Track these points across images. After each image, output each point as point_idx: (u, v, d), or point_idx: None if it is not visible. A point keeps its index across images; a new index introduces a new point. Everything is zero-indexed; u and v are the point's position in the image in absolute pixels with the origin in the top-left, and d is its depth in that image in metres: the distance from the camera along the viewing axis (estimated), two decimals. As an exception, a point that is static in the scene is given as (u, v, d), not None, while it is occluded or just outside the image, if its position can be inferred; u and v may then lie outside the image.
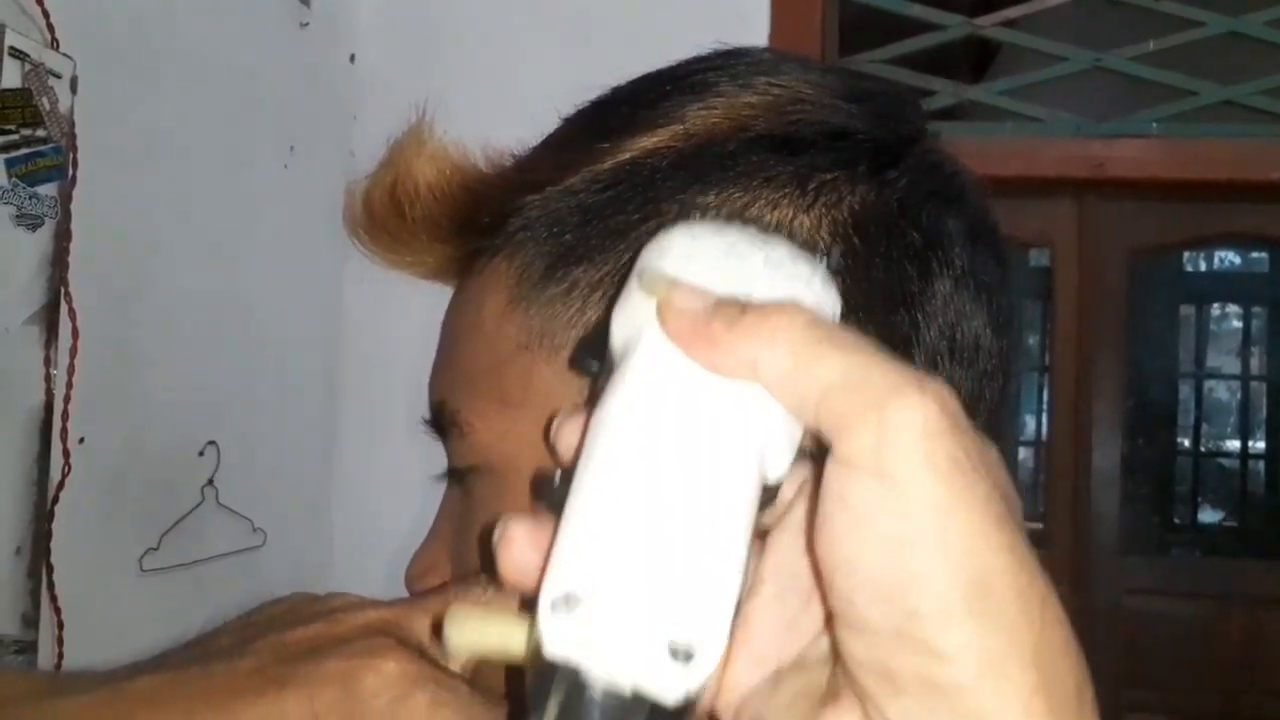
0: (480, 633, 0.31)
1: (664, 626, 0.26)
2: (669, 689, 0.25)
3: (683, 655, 0.26)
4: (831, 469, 0.26)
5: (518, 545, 0.28)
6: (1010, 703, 0.24)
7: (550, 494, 0.29)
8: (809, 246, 0.37)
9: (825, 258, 0.33)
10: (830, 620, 0.27)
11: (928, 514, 0.25)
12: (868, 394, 0.25)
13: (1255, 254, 4.65)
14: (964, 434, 0.26)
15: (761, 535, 0.31)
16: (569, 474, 0.29)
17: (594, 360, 0.32)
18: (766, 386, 0.27)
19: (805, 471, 0.30)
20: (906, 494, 0.25)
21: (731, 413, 0.28)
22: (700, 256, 0.31)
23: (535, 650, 0.26)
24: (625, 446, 0.28)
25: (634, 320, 0.30)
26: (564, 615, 0.26)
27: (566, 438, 0.30)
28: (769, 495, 0.29)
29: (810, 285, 0.31)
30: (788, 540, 0.30)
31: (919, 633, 0.24)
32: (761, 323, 0.27)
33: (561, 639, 0.26)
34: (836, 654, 0.27)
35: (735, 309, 0.28)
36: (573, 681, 0.25)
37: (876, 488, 0.25)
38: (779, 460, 0.28)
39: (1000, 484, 0.27)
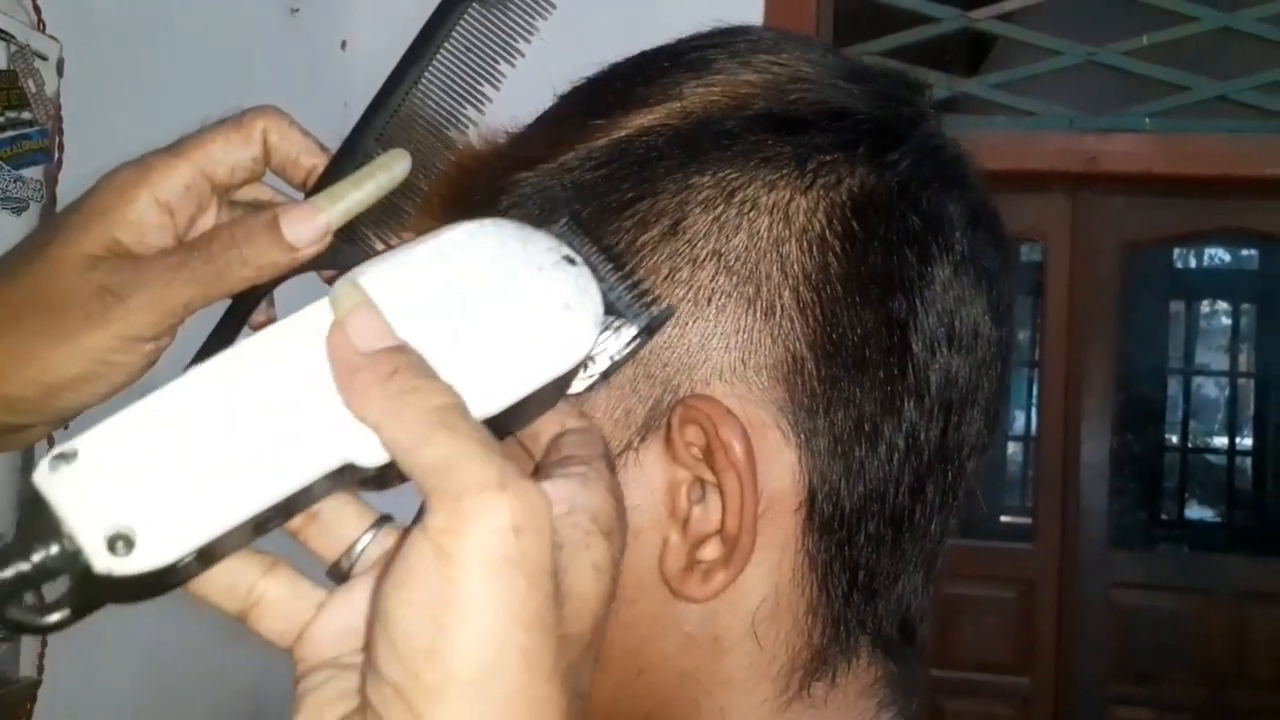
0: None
1: (117, 512, 0.29)
2: (96, 562, 0.29)
3: (122, 544, 0.29)
4: (412, 531, 0.29)
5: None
6: None
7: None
8: (805, 230, 0.37)
9: (637, 314, 0.35)
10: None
11: (462, 598, 0.28)
12: (454, 481, 0.28)
13: (1245, 251, 4.67)
14: (531, 539, 0.28)
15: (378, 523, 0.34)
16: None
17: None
18: (384, 446, 0.30)
19: None
20: (450, 575, 0.28)
21: (337, 397, 0.31)
22: (458, 259, 0.34)
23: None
24: (227, 369, 0.32)
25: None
26: (60, 463, 0.30)
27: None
28: (358, 475, 0.32)
29: (543, 325, 0.33)
30: None
31: (412, 698, 0.28)
32: (396, 395, 0.30)
33: (44, 478, 0.30)
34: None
35: (387, 369, 0.30)
36: (45, 516, 0.30)
37: (434, 561, 0.28)
38: (373, 455, 0.31)
39: (564, 584, 0.30)
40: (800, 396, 0.37)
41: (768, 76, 0.40)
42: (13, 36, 1.18)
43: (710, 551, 0.37)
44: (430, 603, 0.28)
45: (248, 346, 0.32)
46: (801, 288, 0.37)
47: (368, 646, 0.30)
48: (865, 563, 0.39)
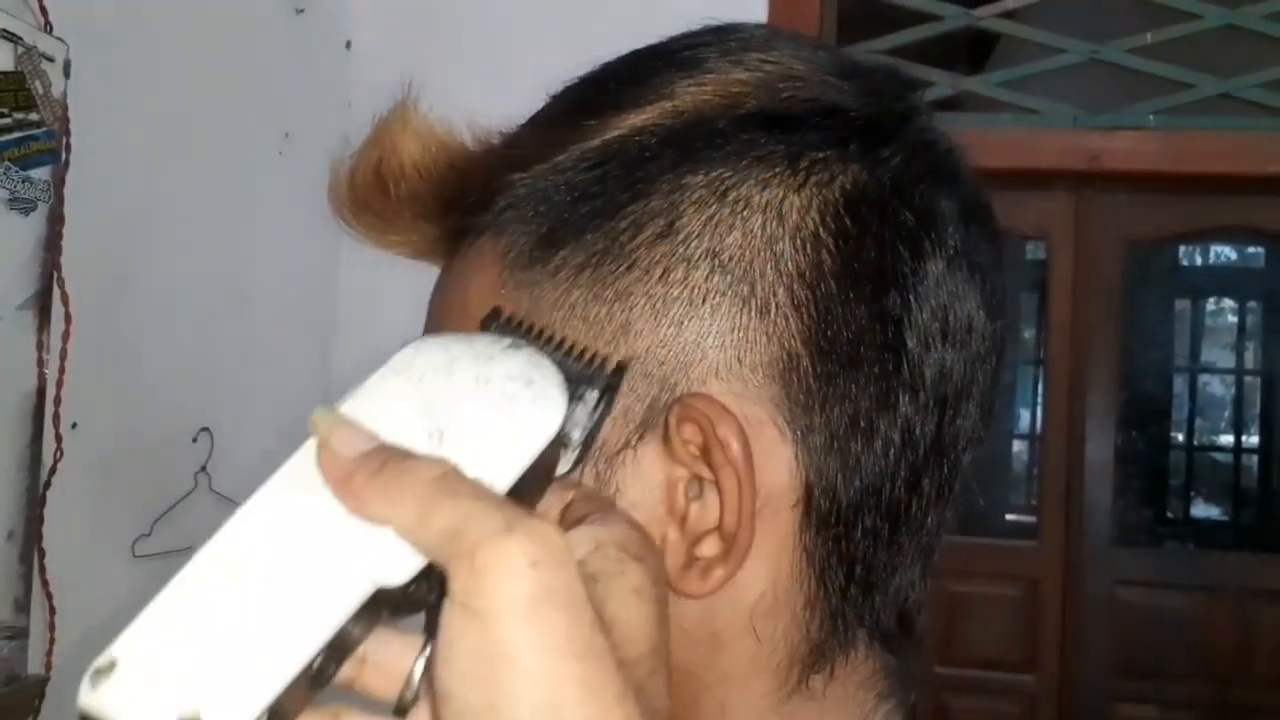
0: None
1: (175, 700, 0.29)
2: None
3: None
4: (443, 606, 0.29)
5: None
6: None
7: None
8: (798, 228, 0.37)
9: (594, 376, 0.35)
10: None
11: (503, 648, 0.28)
12: (466, 540, 0.28)
13: (1251, 249, 4.66)
14: (554, 570, 0.28)
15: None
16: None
17: None
18: (398, 534, 0.30)
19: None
20: (487, 631, 0.28)
21: (349, 522, 0.31)
22: (411, 374, 0.34)
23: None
24: (235, 535, 0.31)
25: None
26: (100, 677, 0.29)
27: None
28: (390, 599, 0.31)
29: (514, 406, 0.33)
30: None
31: None
32: (393, 479, 0.30)
33: (89, 697, 0.29)
34: None
35: (378, 461, 0.31)
36: None
37: (467, 623, 0.28)
38: (398, 568, 0.31)
39: (607, 613, 0.29)
40: (796, 393, 0.37)
41: (759, 74, 0.40)
42: (20, 38, 1.18)
43: (708, 548, 0.37)
44: (476, 664, 0.28)
45: (245, 509, 0.32)
46: (796, 285, 0.37)
47: None
48: (862, 557, 0.39)
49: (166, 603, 0.30)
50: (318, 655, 0.30)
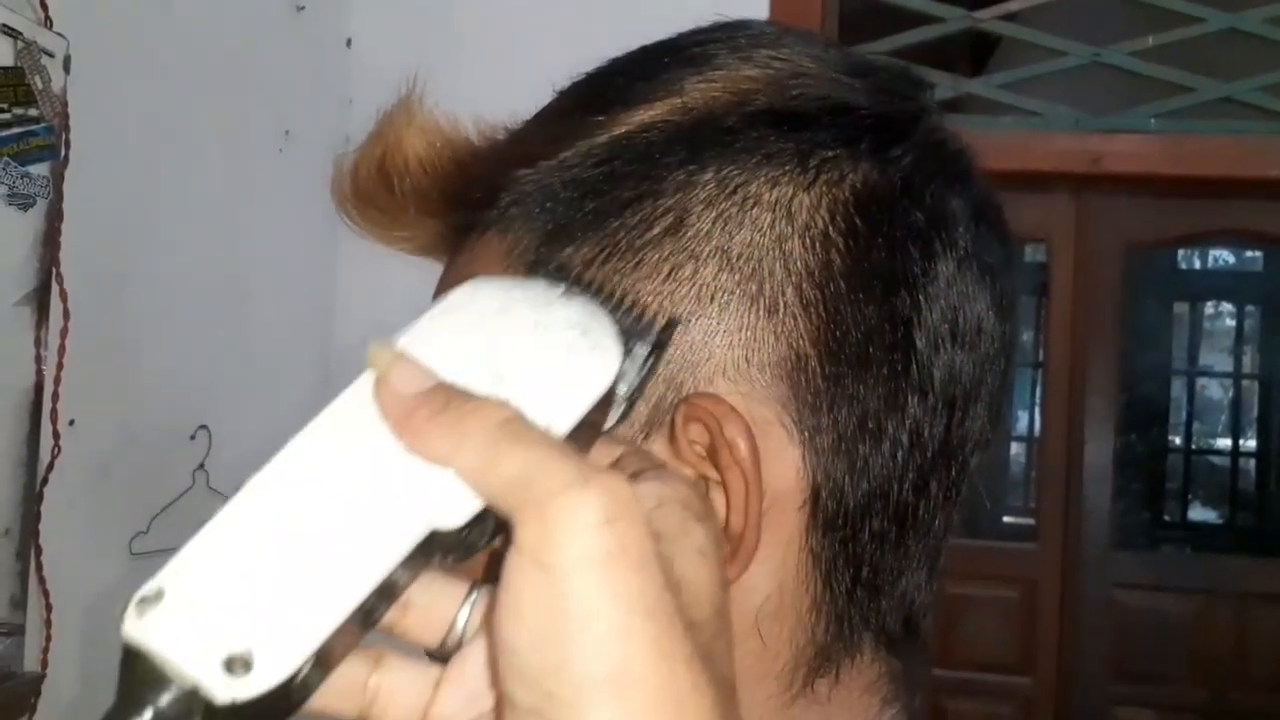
0: None
1: (225, 637, 0.28)
2: (218, 692, 0.27)
3: (240, 666, 0.27)
4: (507, 556, 0.28)
5: None
6: None
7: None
8: (808, 227, 0.37)
9: (643, 332, 0.35)
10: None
11: (574, 605, 0.27)
12: (537, 490, 0.27)
13: (1249, 253, 4.66)
14: (628, 528, 0.27)
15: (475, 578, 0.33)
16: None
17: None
18: (460, 477, 0.29)
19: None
20: (558, 585, 0.27)
21: (405, 461, 0.30)
22: (468, 314, 0.33)
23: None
24: (287, 469, 0.30)
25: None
26: (147, 606, 0.28)
27: None
28: (444, 544, 0.30)
29: (572, 354, 0.33)
30: None
31: (554, 715, 0.27)
32: (458, 421, 0.29)
33: (135, 627, 0.28)
34: None
35: (440, 400, 0.30)
36: (144, 666, 0.28)
37: (536, 577, 0.27)
38: (455, 510, 0.30)
39: (673, 573, 0.28)
40: (804, 394, 0.37)
41: (769, 71, 0.39)
42: (20, 33, 1.18)
43: None
44: (544, 619, 0.27)
45: (299, 440, 0.31)
46: (805, 285, 0.37)
47: (497, 683, 0.29)
48: (869, 559, 0.39)
49: (214, 534, 0.29)
50: (370, 597, 0.29)
